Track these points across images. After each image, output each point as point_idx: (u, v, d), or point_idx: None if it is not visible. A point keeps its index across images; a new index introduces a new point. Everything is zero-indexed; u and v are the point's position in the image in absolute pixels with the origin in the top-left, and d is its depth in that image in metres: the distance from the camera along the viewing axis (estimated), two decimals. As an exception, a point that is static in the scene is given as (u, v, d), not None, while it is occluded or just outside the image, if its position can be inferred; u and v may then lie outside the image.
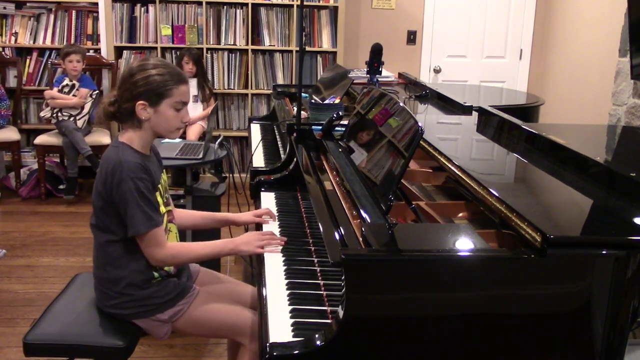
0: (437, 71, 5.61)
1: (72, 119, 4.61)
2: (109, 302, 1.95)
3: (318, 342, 1.34)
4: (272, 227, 2.09)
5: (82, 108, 4.66)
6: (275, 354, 1.35)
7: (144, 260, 1.91)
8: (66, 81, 4.67)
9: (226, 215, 2.26)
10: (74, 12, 5.09)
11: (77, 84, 4.67)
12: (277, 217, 2.16)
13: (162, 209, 1.97)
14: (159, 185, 1.96)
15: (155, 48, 5.04)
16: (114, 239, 1.90)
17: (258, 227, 2.13)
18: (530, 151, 2.12)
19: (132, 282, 1.91)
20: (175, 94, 1.88)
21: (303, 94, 2.74)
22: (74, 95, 4.66)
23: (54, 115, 4.63)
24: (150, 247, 1.87)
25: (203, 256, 1.99)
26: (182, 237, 2.93)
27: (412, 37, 5.54)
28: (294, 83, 5.03)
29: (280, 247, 1.92)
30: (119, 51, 5.07)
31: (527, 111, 3.33)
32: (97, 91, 4.77)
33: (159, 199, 1.95)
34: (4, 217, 4.45)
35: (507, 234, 1.51)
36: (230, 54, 5.13)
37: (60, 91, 4.66)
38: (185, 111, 1.94)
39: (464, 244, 1.44)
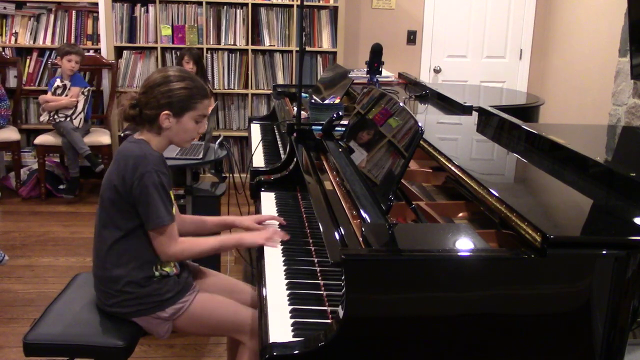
0: (437, 71, 5.61)
1: (68, 119, 4.61)
2: (109, 301, 1.95)
3: (318, 342, 1.34)
4: (273, 227, 2.08)
5: (76, 107, 4.65)
6: (275, 354, 1.35)
7: (145, 258, 1.92)
8: (57, 82, 4.66)
9: (226, 219, 2.27)
10: (74, 12, 5.09)
11: (68, 84, 4.66)
12: (277, 215, 2.15)
13: (174, 209, 1.99)
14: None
15: (155, 48, 5.04)
16: (118, 236, 1.91)
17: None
18: (530, 151, 2.12)
19: (132, 280, 1.91)
20: (199, 108, 1.95)
21: (303, 94, 2.74)
22: (65, 95, 4.65)
23: (52, 118, 4.63)
24: (165, 241, 1.89)
25: (210, 248, 2.02)
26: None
27: (412, 37, 5.54)
28: (294, 83, 5.03)
29: (282, 242, 1.94)
30: (119, 51, 5.07)
31: (527, 111, 3.33)
32: (88, 88, 4.76)
33: (172, 196, 1.98)
34: (4, 217, 4.45)
35: (507, 234, 1.51)
36: (230, 54, 5.13)
37: (54, 93, 4.65)
38: (203, 123, 2.00)
39: (464, 244, 1.44)
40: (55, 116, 4.62)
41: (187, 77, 1.95)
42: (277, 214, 2.18)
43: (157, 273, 1.95)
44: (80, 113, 4.65)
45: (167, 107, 1.90)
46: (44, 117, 4.67)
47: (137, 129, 1.99)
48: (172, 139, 1.98)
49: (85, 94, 4.70)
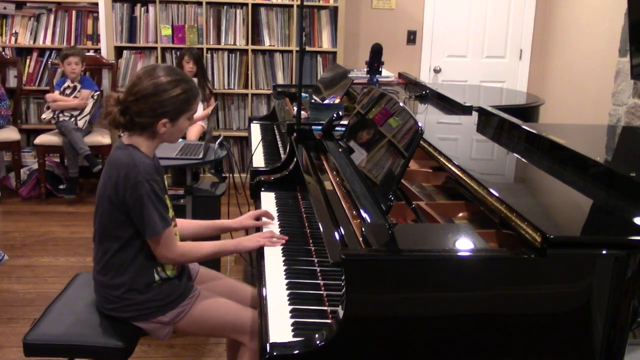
0: (437, 71, 5.61)
1: (72, 119, 4.62)
2: (109, 306, 1.95)
3: (318, 342, 1.34)
4: (272, 227, 2.09)
5: (83, 109, 4.67)
6: (275, 354, 1.35)
7: (145, 264, 1.91)
8: (67, 83, 4.69)
9: (224, 223, 2.23)
10: (74, 12, 5.09)
11: (78, 86, 4.69)
12: (277, 217, 2.16)
13: (170, 212, 1.97)
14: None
15: (155, 48, 5.04)
16: (116, 247, 1.89)
17: (258, 230, 2.13)
18: (530, 151, 2.12)
19: (132, 287, 1.90)
20: (193, 108, 1.93)
21: (303, 94, 2.74)
22: (75, 97, 4.67)
23: (55, 116, 4.64)
24: (163, 247, 1.87)
25: (210, 253, 2.01)
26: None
27: (412, 37, 5.54)
28: (294, 83, 5.03)
29: (281, 243, 1.94)
30: (119, 51, 5.07)
31: (527, 111, 3.33)
32: (98, 92, 4.78)
33: (168, 202, 1.95)
34: (4, 217, 4.45)
35: (507, 234, 1.51)
36: (230, 54, 5.13)
37: (62, 93, 4.69)
38: (192, 119, 1.99)
39: (464, 244, 1.44)
40: (60, 114, 4.63)
41: (179, 80, 1.87)
42: (277, 214, 2.18)
43: (157, 277, 1.94)
44: (86, 115, 4.67)
45: (164, 116, 1.85)
46: (47, 115, 4.68)
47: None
48: (166, 140, 1.95)
49: (95, 97, 4.72)
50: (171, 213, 1.98)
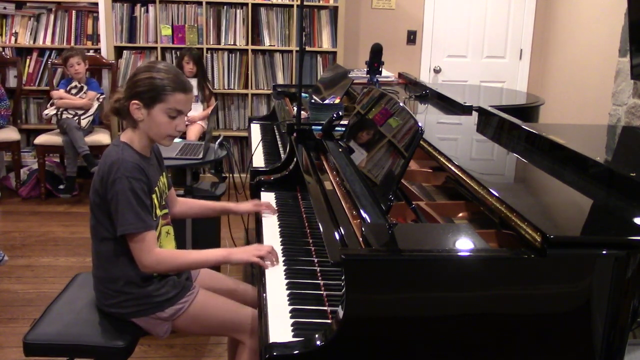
0: (437, 71, 5.61)
1: (75, 117, 4.63)
2: (108, 301, 1.95)
3: (318, 342, 1.34)
4: (272, 226, 2.09)
5: (88, 109, 4.69)
6: (275, 354, 1.35)
7: None
8: (75, 83, 4.72)
9: (226, 205, 2.32)
10: (74, 12, 5.09)
11: (85, 87, 4.71)
12: (277, 217, 2.16)
13: (158, 211, 1.97)
14: (156, 188, 1.96)
15: (155, 48, 5.04)
16: (109, 237, 1.89)
17: (258, 222, 2.14)
18: (530, 151, 2.12)
19: (130, 280, 1.91)
20: (169, 101, 1.88)
21: (303, 94, 2.74)
22: (81, 97, 4.69)
23: (58, 113, 4.64)
24: (138, 249, 1.85)
25: (191, 262, 1.96)
26: (182, 234, 2.93)
27: (412, 37, 5.54)
28: (294, 83, 5.03)
29: (282, 242, 1.95)
30: (119, 51, 5.07)
31: (527, 111, 3.33)
32: (104, 95, 4.80)
33: (155, 201, 1.95)
34: (4, 217, 4.45)
35: (507, 234, 1.51)
36: (230, 54, 5.13)
37: (68, 92, 4.70)
38: (181, 120, 1.92)
39: (464, 244, 1.44)
40: (64, 112, 4.64)
41: (164, 70, 1.89)
42: (277, 214, 2.18)
43: (155, 273, 1.95)
44: (90, 116, 4.69)
45: (136, 97, 1.87)
46: (50, 111, 4.68)
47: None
48: (148, 134, 1.92)
49: (100, 100, 4.74)
50: (159, 212, 1.98)
